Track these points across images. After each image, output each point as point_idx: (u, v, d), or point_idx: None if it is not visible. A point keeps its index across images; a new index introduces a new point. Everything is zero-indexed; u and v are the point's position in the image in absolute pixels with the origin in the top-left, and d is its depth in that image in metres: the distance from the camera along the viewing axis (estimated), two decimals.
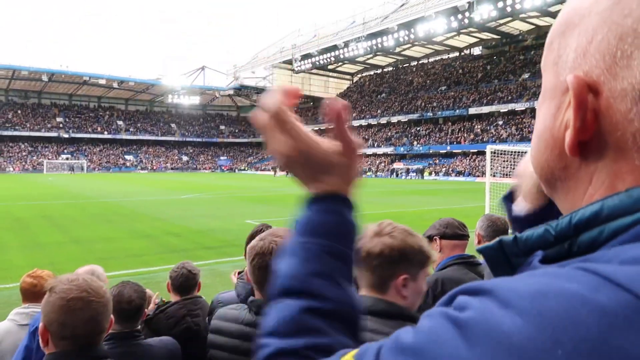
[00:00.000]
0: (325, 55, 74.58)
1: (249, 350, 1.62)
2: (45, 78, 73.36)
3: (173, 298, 2.83)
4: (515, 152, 13.99)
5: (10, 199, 23.56)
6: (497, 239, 0.50)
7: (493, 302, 0.36)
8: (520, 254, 0.47)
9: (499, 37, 68.27)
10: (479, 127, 58.92)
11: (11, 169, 68.34)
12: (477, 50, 75.45)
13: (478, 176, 46.31)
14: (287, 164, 0.70)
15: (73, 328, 1.40)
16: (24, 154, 73.83)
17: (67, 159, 74.55)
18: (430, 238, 2.66)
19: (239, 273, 2.43)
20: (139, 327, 2.22)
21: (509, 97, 57.42)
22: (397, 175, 57.94)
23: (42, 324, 1.43)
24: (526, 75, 59.75)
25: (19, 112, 79.46)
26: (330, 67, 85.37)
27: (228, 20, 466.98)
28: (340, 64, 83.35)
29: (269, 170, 73.51)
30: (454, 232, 2.67)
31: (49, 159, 71.92)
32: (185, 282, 2.78)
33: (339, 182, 0.70)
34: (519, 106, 54.99)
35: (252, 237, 2.44)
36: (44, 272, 2.78)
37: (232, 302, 2.23)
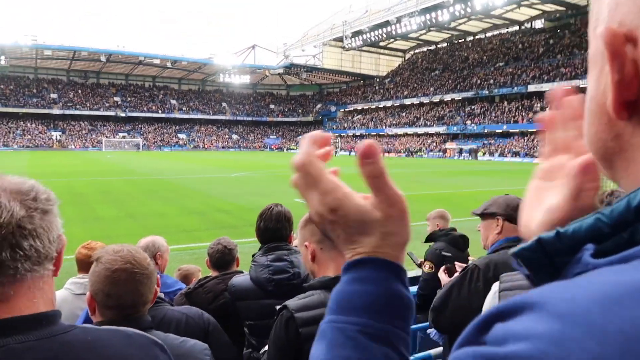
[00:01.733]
0: (376, 32, 73.09)
1: None
2: (103, 58, 76.34)
3: (213, 274, 2.85)
4: None
5: (72, 174, 24.78)
6: (535, 237, 0.41)
7: (544, 321, 0.27)
8: (566, 252, 0.39)
9: (563, 8, 64.21)
10: (538, 105, 56.07)
11: (73, 146, 72.20)
12: (539, 24, 71.34)
13: (536, 157, 44.36)
14: (322, 225, 0.58)
15: (118, 298, 1.43)
16: (84, 132, 77.58)
17: (123, 137, 77.73)
18: (493, 215, 2.45)
19: (252, 256, 2.46)
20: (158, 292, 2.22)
21: (573, 73, 53.87)
22: (449, 155, 56.57)
23: (89, 293, 1.47)
24: None
25: (80, 91, 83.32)
26: (381, 44, 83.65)
27: (228, 20, 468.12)
28: (392, 40, 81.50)
29: None
30: None
31: (106, 137, 75.25)
32: (222, 258, 2.82)
33: (379, 244, 0.55)
34: (585, 83, 51.60)
35: (261, 215, 2.48)
36: (97, 243, 2.81)
37: (247, 285, 2.37)
